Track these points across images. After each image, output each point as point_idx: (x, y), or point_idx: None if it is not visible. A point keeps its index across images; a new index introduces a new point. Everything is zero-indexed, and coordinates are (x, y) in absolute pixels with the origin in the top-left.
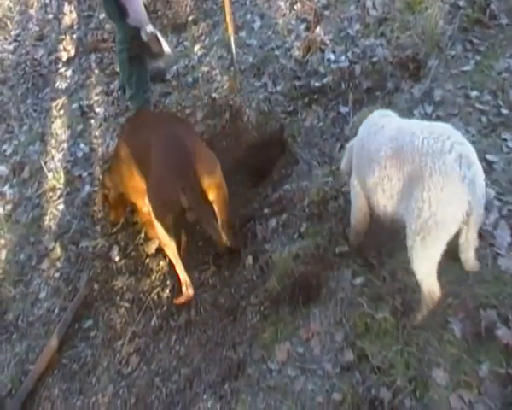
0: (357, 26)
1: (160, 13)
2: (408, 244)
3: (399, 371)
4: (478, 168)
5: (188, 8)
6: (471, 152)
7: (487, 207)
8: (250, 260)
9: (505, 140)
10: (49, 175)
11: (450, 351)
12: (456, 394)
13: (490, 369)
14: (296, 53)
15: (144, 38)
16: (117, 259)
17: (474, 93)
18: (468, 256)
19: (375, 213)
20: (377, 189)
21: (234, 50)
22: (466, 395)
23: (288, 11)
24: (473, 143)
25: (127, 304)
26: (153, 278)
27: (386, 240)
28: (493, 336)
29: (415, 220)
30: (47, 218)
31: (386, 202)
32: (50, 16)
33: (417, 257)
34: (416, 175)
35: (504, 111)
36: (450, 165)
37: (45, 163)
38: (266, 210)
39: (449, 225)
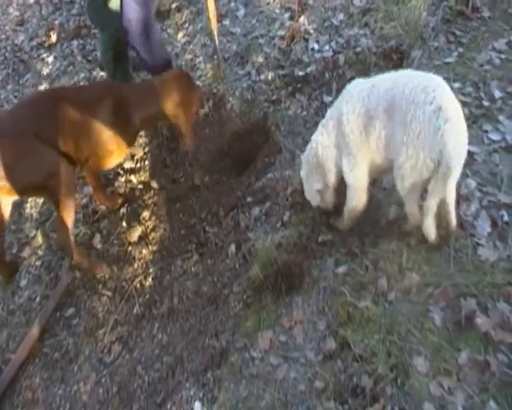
0: (342, 16)
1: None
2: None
3: (381, 360)
4: (456, 123)
5: None
6: (453, 107)
7: (468, 198)
8: (233, 248)
9: (486, 132)
10: None
11: (431, 339)
12: (436, 381)
13: (469, 356)
14: (280, 42)
15: None
16: (99, 247)
17: (456, 85)
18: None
19: (373, 176)
20: (378, 145)
21: (216, 39)
22: (445, 382)
23: (272, 0)
24: None
25: (109, 292)
26: (135, 266)
27: (369, 229)
28: (473, 325)
29: (396, 160)
30: (28, 206)
31: (384, 154)
32: (31, 1)
33: (402, 193)
34: (402, 121)
35: (486, 103)
36: (427, 115)
37: None
38: (249, 199)
39: (421, 170)
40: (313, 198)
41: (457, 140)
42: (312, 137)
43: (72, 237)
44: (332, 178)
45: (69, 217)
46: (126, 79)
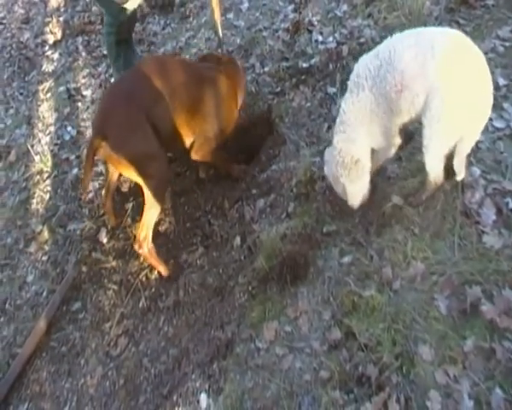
0: (345, 7)
1: None
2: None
3: (386, 348)
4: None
5: None
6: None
7: (473, 186)
8: (238, 240)
9: (491, 119)
10: (36, 158)
11: (436, 327)
12: (442, 369)
13: (474, 344)
14: (284, 34)
15: None
16: (105, 241)
17: None
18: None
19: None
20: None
21: (220, 31)
22: (451, 370)
23: None
24: None
25: (115, 286)
26: (141, 259)
27: (373, 219)
28: (478, 312)
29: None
30: (34, 201)
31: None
32: None
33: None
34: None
35: None
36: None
37: (32, 146)
38: (254, 191)
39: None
40: (354, 198)
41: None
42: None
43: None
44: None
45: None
46: (128, 65)
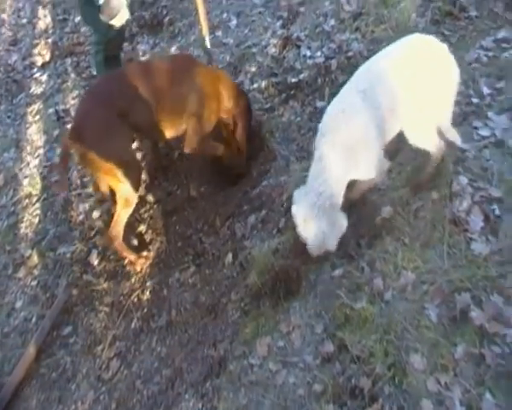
0: (333, 22)
1: (136, 14)
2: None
3: (378, 359)
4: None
5: (164, 9)
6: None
7: (460, 194)
8: (230, 257)
9: (476, 128)
10: (25, 182)
11: (427, 336)
12: (434, 377)
13: (465, 350)
14: (272, 50)
15: (100, 1)
16: (96, 263)
17: None
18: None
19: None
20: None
21: (208, 42)
22: (442, 378)
23: (263, 9)
24: None
25: (107, 308)
26: (132, 280)
27: (364, 231)
28: (468, 319)
29: None
30: (23, 225)
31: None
32: (24, 21)
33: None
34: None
35: (475, 100)
36: None
37: (20, 170)
38: (245, 207)
39: None
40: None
41: None
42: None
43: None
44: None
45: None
46: None
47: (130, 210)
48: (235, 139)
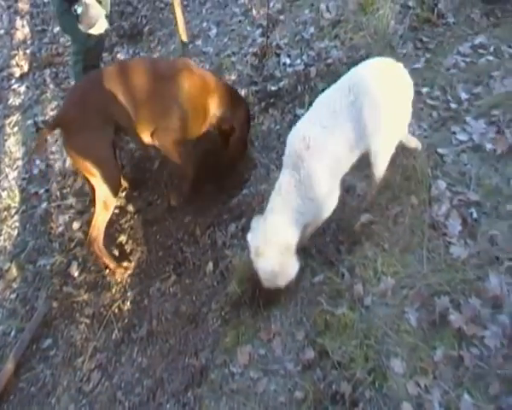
0: (312, 30)
1: (115, 24)
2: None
3: (359, 365)
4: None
5: (144, 19)
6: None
7: (439, 199)
8: (211, 266)
9: (454, 133)
10: (3, 194)
11: (407, 340)
12: (413, 380)
13: (444, 353)
14: (252, 59)
15: (79, 10)
16: (76, 274)
17: (424, 89)
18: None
19: None
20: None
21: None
22: (422, 381)
23: (243, 17)
24: (424, 137)
25: (87, 320)
26: (113, 291)
27: (344, 237)
28: (446, 322)
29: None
30: (1, 238)
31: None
32: (1, 31)
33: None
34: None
35: (453, 105)
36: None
37: None
38: (225, 216)
39: None
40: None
41: None
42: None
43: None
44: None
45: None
46: None
47: (107, 214)
48: (231, 147)
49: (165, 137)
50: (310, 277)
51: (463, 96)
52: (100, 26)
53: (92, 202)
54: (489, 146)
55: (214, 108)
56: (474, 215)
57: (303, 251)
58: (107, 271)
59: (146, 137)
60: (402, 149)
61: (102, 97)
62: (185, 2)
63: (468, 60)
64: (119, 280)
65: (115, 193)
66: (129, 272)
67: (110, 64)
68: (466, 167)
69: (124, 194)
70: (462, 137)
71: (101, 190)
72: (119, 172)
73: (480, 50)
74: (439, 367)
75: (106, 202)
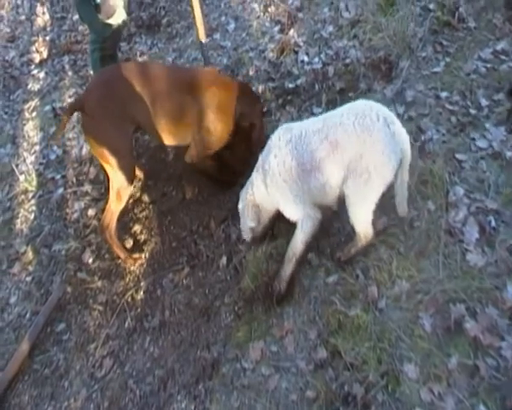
0: (331, 28)
1: (134, 14)
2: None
3: (372, 367)
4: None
5: (162, 10)
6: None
7: (457, 205)
8: (224, 260)
9: (473, 139)
10: (21, 178)
11: (421, 345)
12: (427, 387)
13: (458, 361)
14: (270, 55)
15: (98, 0)
16: (90, 261)
17: (443, 94)
18: (402, 200)
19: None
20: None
21: (205, 52)
22: (436, 388)
23: (262, 13)
24: (443, 142)
25: (100, 307)
26: (126, 280)
27: None
28: (462, 330)
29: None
30: (18, 221)
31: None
32: (22, 17)
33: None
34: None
35: (472, 111)
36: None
37: (17, 166)
38: None
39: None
40: (246, 232)
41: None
42: (249, 179)
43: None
44: (266, 218)
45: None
46: None
47: (121, 204)
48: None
49: (198, 152)
50: (324, 276)
51: (483, 102)
52: (118, 16)
53: (107, 190)
54: (509, 154)
55: (238, 110)
56: (493, 224)
57: (317, 250)
58: (120, 260)
59: (167, 141)
60: (419, 153)
61: (125, 90)
62: None
63: (488, 65)
64: (132, 269)
65: (129, 184)
66: (139, 262)
67: (141, 61)
68: (485, 175)
69: (139, 184)
70: (481, 143)
71: (116, 180)
72: (134, 163)
73: (502, 56)
74: (453, 375)
75: (119, 192)
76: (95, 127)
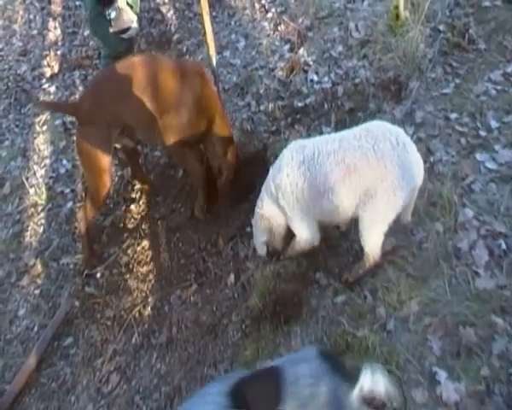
0: (340, 48)
1: (144, 31)
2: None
3: None
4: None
5: (173, 27)
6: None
7: (466, 227)
8: (232, 278)
9: (483, 161)
10: (31, 191)
11: (429, 369)
12: None
13: (468, 387)
14: (280, 73)
15: (113, 15)
16: (98, 276)
17: (453, 115)
18: (407, 211)
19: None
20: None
21: (215, 69)
22: None
23: (272, 32)
24: (452, 163)
25: (108, 322)
26: (134, 295)
27: None
28: (472, 354)
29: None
30: (27, 234)
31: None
32: (34, 32)
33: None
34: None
35: (482, 133)
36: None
37: (27, 179)
38: (248, 229)
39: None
40: (260, 247)
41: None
42: (260, 194)
43: None
44: (279, 231)
45: None
46: None
47: (97, 206)
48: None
49: (167, 134)
50: (332, 296)
51: (493, 124)
52: (131, 31)
53: (115, 204)
54: None
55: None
56: (503, 247)
57: (326, 270)
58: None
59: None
60: (428, 174)
61: (113, 92)
62: (214, 14)
63: (499, 87)
64: (140, 285)
65: (97, 207)
66: (99, 267)
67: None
68: (494, 197)
69: (147, 200)
70: (490, 165)
71: (90, 188)
72: (110, 168)
73: None
74: (463, 401)
75: (94, 197)
76: (81, 132)
